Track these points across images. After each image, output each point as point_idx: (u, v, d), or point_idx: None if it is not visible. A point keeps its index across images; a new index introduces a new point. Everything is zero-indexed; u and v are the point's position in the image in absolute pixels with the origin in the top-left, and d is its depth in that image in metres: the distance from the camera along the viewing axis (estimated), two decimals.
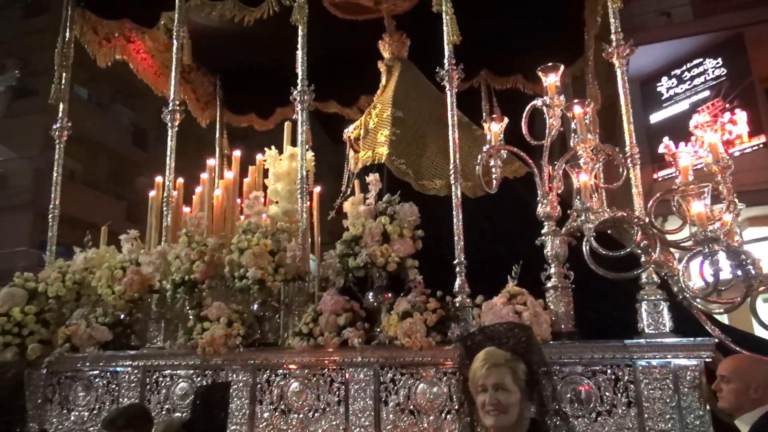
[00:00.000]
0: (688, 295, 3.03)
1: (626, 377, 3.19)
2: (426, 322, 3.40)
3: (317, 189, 5.33)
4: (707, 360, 3.09)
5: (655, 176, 11.27)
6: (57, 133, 4.85)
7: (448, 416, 3.37)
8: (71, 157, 20.91)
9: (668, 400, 3.08)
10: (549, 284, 3.47)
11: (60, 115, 4.91)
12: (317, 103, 6.38)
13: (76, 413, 3.92)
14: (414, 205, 3.78)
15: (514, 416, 2.16)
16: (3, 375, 2.66)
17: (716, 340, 3.09)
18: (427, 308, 3.45)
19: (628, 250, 3.23)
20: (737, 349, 3.10)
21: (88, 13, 5.04)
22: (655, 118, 12.32)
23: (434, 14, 4.19)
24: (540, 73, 3.66)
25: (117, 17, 5.08)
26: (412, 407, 3.43)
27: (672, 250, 3.38)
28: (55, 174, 4.77)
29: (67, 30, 4.91)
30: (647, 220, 3.32)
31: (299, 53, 4.20)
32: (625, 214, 3.26)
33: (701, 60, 11.82)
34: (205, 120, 6.37)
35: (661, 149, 10.42)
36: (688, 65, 11.99)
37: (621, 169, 3.49)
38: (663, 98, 12.31)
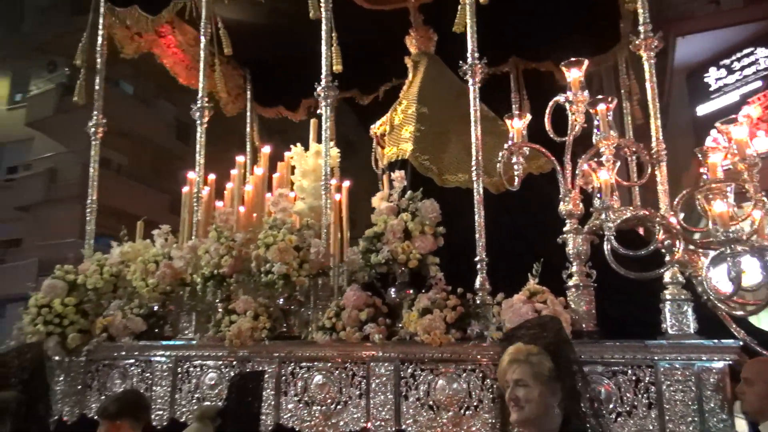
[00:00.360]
0: (712, 296, 2.97)
1: (647, 378, 3.15)
2: (446, 318, 3.43)
3: (346, 184, 5.40)
4: (731, 363, 3.03)
5: (702, 170, 10.91)
6: (93, 130, 5.03)
7: (467, 412, 3.40)
8: (118, 151, 21.72)
9: (690, 403, 3.03)
10: (570, 283, 3.45)
11: (95, 112, 5.08)
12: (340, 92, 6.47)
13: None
14: (435, 202, 3.80)
15: (534, 412, 2.16)
16: (24, 356, 2.82)
17: (741, 343, 3.03)
18: (447, 305, 3.48)
19: (652, 249, 3.19)
20: (763, 351, 3.04)
21: (117, 9, 5.18)
22: (703, 110, 11.95)
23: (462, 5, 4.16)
24: (563, 68, 3.62)
25: (126, 5, 5.17)
26: (431, 402, 3.47)
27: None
28: (91, 170, 4.97)
29: (99, 28, 5.08)
30: (671, 218, 3.27)
31: (323, 49, 4.25)
32: (647, 213, 3.21)
33: (752, 49, 11.38)
34: (233, 112, 6.48)
35: (708, 142, 10.12)
36: (738, 55, 11.57)
37: (646, 166, 3.44)
38: (711, 89, 11.92)
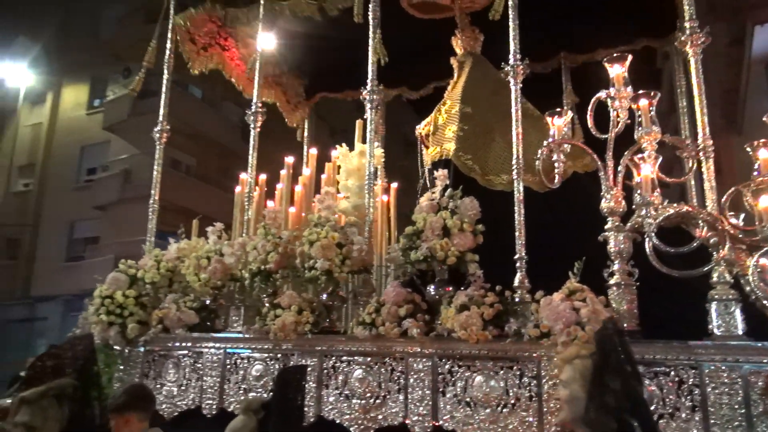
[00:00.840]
0: (759, 295, 2.86)
1: (691, 380, 3.06)
2: (483, 315, 3.44)
3: (394, 185, 5.48)
4: None
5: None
6: (157, 135, 5.31)
7: (505, 410, 3.39)
8: (187, 153, 22.65)
9: (737, 407, 2.92)
10: (611, 281, 3.39)
11: (160, 118, 5.35)
12: (386, 89, 6.54)
13: (167, 388, 4.34)
14: (475, 200, 3.81)
15: (570, 413, 2.17)
16: (76, 347, 3.02)
17: None
18: (485, 302, 3.49)
19: (694, 246, 3.10)
20: None
21: (187, 24, 5.44)
22: None
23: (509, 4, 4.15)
24: (606, 64, 3.56)
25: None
26: (468, 399, 3.49)
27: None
28: (155, 172, 5.25)
29: (167, 42, 5.36)
30: (719, 215, 3.16)
31: (370, 54, 4.33)
32: (690, 209, 3.12)
33: None
34: (294, 121, 6.68)
35: None
36: None
37: (690, 162, 3.34)
38: None
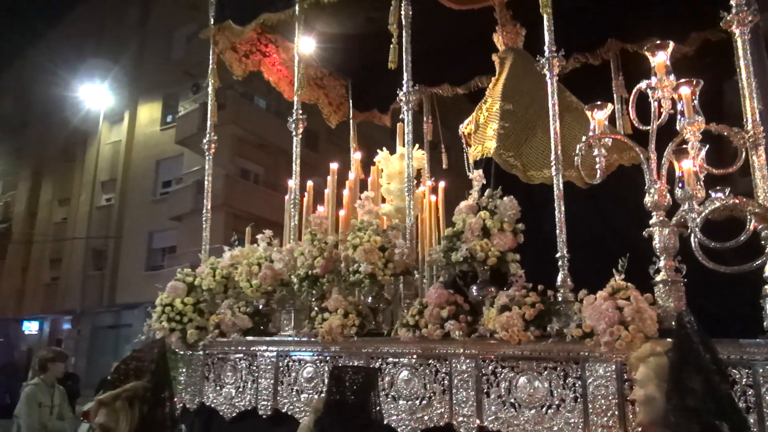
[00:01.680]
0: None
1: (744, 380, 2.91)
2: (524, 316, 3.41)
3: (442, 184, 5.49)
4: None
5: None
6: (206, 146, 5.54)
7: (549, 411, 3.35)
8: (255, 162, 23.36)
9: None
10: (657, 278, 3.28)
11: (208, 130, 5.59)
12: (430, 87, 6.54)
13: (226, 390, 4.54)
14: (514, 200, 3.77)
15: (647, 415, 2.07)
16: (153, 350, 3.20)
17: None
18: (526, 302, 3.45)
19: (743, 239, 2.96)
20: None
21: (227, 32, 5.64)
22: None
23: None
24: (647, 53, 3.45)
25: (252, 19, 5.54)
26: (513, 400, 3.46)
27: None
28: (206, 183, 5.47)
29: (210, 57, 5.60)
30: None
31: (404, 56, 4.37)
32: (738, 201, 2.98)
33: None
34: (335, 122, 6.81)
35: None
36: None
37: (740, 151, 3.18)
38: None
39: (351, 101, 6.82)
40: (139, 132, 25.28)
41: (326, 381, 4.11)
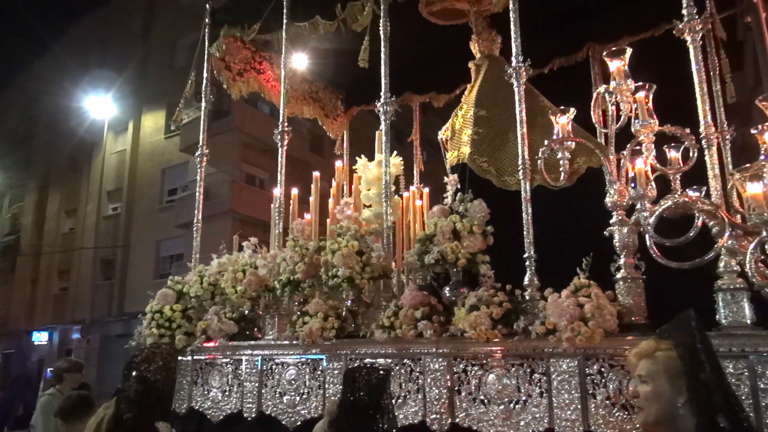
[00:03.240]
0: (757, 284, 2.81)
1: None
2: (492, 315, 3.53)
3: (426, 189, 5.62)
4: None
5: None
6: (198, 159, 5.70)
7: (517, 406, 3.47)
8: (261, 168, 23.54)
9: (744, 398, 2.86)
10: (618, 275, 3.40)
11: (200, 143, 5.74)
12: (417, 96, 6.68)
13: (213, 393, 4.69)
14: (483, 203, 3.90)
15: (653, 413, 2.01)
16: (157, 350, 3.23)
17: None
18: (494, 302, 3.57)
19: (692, 235, 3.08)
20: None
21: (221, 53, 5.81)
22: None
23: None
24: (606, 59, 3.57)
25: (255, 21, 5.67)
26: (483, 397, 3.59)
27: None
28: (198, 194, 5.62)
29: (204, 72, 5.76)
30: (721, 203, 3.12)
31: (382, 67, 4.51)
32: (687, 199, 3.10)
33: None
34: (335, 133, 6.96)
35: None
36: None
37: (692, 152, 3.29)
38: None
39: (344, 112, 6.98)
40: (144, 141, 25.52)
41: (308, 383, 4.27)
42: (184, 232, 22.16)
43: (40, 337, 26.08)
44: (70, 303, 25.87)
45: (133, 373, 2.47)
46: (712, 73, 4.80)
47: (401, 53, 4.72)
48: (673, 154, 3.80)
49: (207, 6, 6.02)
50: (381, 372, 2.77)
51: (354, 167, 5.05)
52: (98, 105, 24.81)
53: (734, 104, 5.05)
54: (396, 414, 3.78)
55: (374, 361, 3.97)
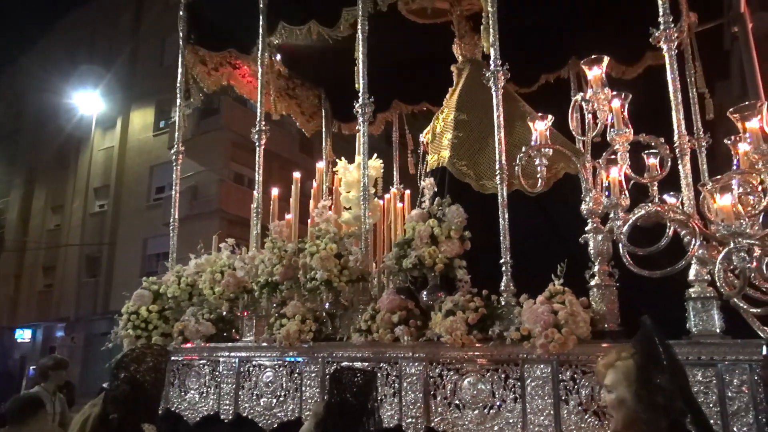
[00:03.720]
0: (723, 293, 2.84)
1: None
2: (468, 320, 3.54)
3: (408, 192, 5.63)
4: (757, 364, 2.86)
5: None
6: (174, 156, 5.67)
7: (491, 411, 3.49)
8: (250, 167, 23.46)
9: (712, 405, 2.90)
10: (592, 282, 3.42)
11: (176, 140, 5.72)
12: (410, 105, 6.69)
13: (190, 395, 4.67)
14: (461, 208, 3.90)
15: (619, 420, 2.07)
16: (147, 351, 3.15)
17: (764, 342, 2.85)
18: (469, 307, 3.58)
19: (664, 244, 3.11)
20: None
21: (197, 47, 5.81)
22: None
23: (512, 9, 4.22)
24: (584, 67, 3.59)
25: (222, 49, 5.78)
26: (457, 401, 3.60)
27: None
28: (174, 192, 5.60)
29: (179, 69, 5.75)
30: (692, 212, 3.15)
31: (360, 67, 4.51)
32: (659, 208, 3.12)
33: None
34: (310, 131, 6.94)
35: None
36: None
37: (666, 161, 3.32)
38: None
39: (324, 111, 6.95)
40: (132, 138, 25.35)
41: (285, 386, 4.27)
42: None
43: (24, 335, 25.84)
44: (54, 300, 25.63)
45: (122, 374, 2.43)
46: (689, 80, 4.87)
47: (389, 62, 4.73)
48: (651, 161, 3.85)
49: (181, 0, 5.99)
50: (367, 374, 2.76)
51: (334, 169, 5.05)
52: (86, 101, 24.64)
53: (720, 113, 5.11)
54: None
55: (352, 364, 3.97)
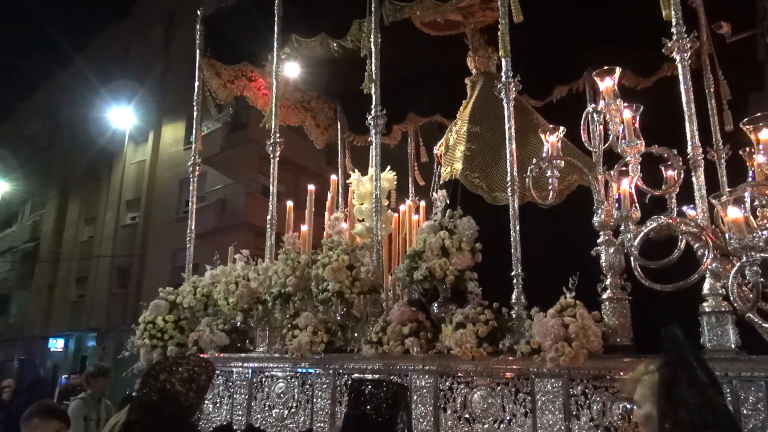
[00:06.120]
0: (737, 307, 2.77)
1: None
2: (478, 332, 3.51)
3: (422, 203, 5.61)
4: None
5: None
6: (191, 169, 5.76)
7: (501, 425, 3.43)
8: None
9: None
10: (604, 296, 3.37)
11: (193, 153, 5.80)
12: (423, 117, 6.70)
13: (204, 405, 4.69)
14: (472, 220, 3.88)
15: None
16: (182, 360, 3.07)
17: None
18: (480, 319, 3.55)
19: (676, 256, 3.05)
20: None
21: (213, 60, 5.92)
22: None
23: (527, 22, 4.21)
24: (596, 78, 3.56)
25: (236, 62, 5.89)
26: (468, 415, 3.55)
27: None
28: (191, 204, 5.68)
29: (196, 82, 5.87)
30: (706, 225, 3.08)
31: (373, 80, 4.53)
32: (671, 220, 3.06)
33: None
34: (322, 143, 7.00)
35: None
36: None
37: (679, 173, 3.26)
38: None
39: (340, 123, 7.00)
40: (163, 151, 25.85)
41: (296, 397, 4.27)
42: (199, 242, 22.31)
43: (56, 344, 26.39)
44: (86, 310, 26.18)
45: (152, 382, 2.34)
46: (708, 91, 4.77)
47: (404, 74, 4.75)
48: (669, 173, 3.79)
49: (198, 12, 6.11)
50: (394, 386, 2.51)
51: (348, 181, 5.07)
52: (119, 115, 25.23)
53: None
54: None
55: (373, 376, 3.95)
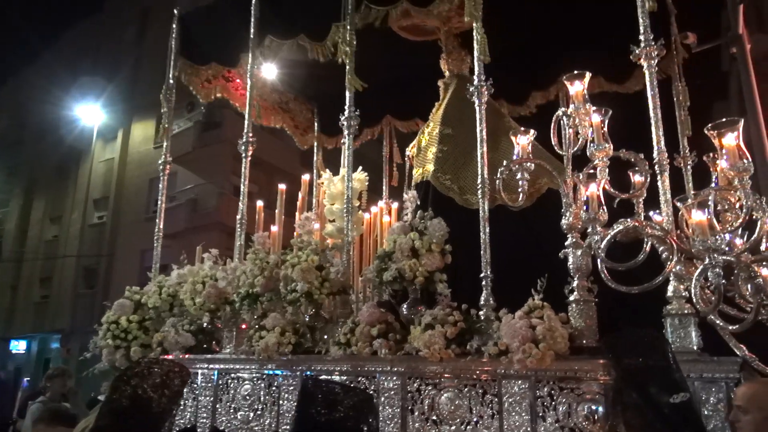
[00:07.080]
0: (699, 309, 2.81)
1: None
2: (446, 334, 3.50)
3: (395, 205, 5.61)
4: (733, 381, 2.81)
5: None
6: (161, 167, 5.66)
7: (468, 427, 3.43)
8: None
9: None
10: (570, 298, 3.39)
11: (164, 151, 5.71)
12: (401, 122, 6.70)
13: (176, 411, 4.59)
14: (443, 222, 3.88)
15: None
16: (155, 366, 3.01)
17: (740, 360, 2.81)
18: (448, 321, 3.54)
19: (641, 260, 3.08)
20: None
21: (187, 60, 5.85)
22: None
23: (501, 25, 4.23)
24: (566, 82, 3.58)
25: (206, 62, 5.83)
26: (435, 417, 3.54)
27: None
28: (160, 202, 5.59)
29: (170, 78, 5.77)
30: (670, 229, 3.12)
31: (347, 82, 4.51)
32: (637, 223, 3.10)
33: None
34: (305, 144, 6.94)
35: None
36: None
37: (645, 177, 3.30)
38: None
39: (318, 125, 6.95)
40: (133, 150, 25.38)
41: (262, 399, 4.21)
42: (169, 242, 21.96)
43: (18, 346, 25.70)
44: (50, 311, 25.53)
45: (123, 387, 2.27)
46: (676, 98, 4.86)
47: (381, 78, 4.73)
48: (637, 178, 3.84)
49: (175, 11, 6.03)
50: (354, 392, 2.37)
51: (319, 181, 5.04)
52: (88, 112, 24.72)
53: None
54: None
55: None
